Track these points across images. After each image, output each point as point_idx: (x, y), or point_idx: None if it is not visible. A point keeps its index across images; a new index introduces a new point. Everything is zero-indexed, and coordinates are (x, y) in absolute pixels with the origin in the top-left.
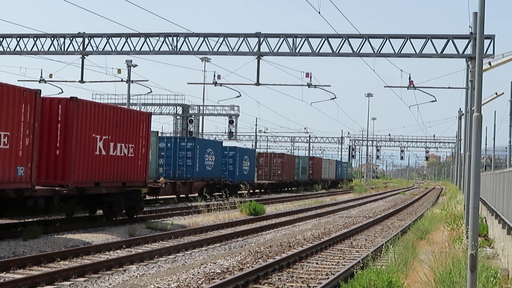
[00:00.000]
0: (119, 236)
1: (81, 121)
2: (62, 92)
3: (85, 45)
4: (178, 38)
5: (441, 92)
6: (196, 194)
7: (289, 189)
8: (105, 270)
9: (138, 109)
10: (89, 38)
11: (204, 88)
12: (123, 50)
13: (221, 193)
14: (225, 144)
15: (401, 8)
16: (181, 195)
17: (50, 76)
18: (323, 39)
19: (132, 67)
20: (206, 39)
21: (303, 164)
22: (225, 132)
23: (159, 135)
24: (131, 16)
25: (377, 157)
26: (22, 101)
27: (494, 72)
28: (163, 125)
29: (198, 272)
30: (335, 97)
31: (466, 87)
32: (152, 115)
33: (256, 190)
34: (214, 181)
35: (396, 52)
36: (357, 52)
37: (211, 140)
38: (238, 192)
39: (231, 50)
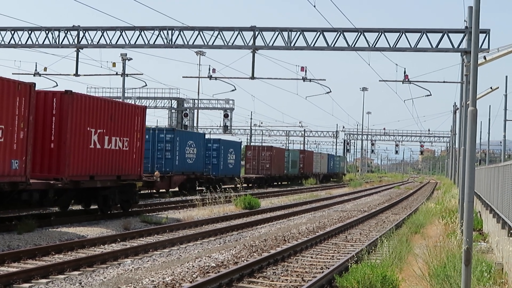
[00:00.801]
0: (114, 229)
1: (75, 114)
2: (57, 85)
3: (80, 38)
4: (173, 31)
5: (436, 86)
6: (176, 189)
7: (279, 183)
8: (100, 263)
9: (133, 102)
10: (84, 31)
11: (199, 81)
12: (118, 43)
13: (203, 188)
14: (220, 138)
15: (397, 2)
16: (160, 190)
17: (45, 69)
18: (318, 33)
19: (127, 61)
20: (201, 32)
21: (293, 157)
22: (220, 126)
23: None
24: (126, 9)
25: (372, 151)
26: (17, 94)
27: (489, 67)
28: (158, 118)
29: (193, 266)
30: (330, 91)
31: (461, 82)
32: (147, 109)
33: (244, 185)
34: (195, 175)
35: (391, 46)
36: (352, 46)
37: (192, 131)
38: (223, 186)
39: (226, 44)
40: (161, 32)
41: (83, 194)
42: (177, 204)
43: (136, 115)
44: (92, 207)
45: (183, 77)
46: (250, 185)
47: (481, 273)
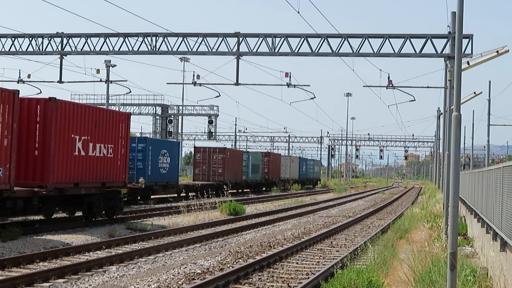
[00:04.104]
0: (99, 237)
1: (59, 121)
2: (41, 92)
3: (64, 45)
4: (157, 38)
5: (420, 91)
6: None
7: (238, 191)
8: (85, 271)
9: (117, 109)
10: (68, 38)
11: (183, 88)
12: (102, 50)
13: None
14: (204, 144)
15: (380, 8)
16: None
17: (29, 76)
18: (302, 39)
19: (111, 67)
20: (185, 39)
21: (254, 161)
22: (204, 132)
23: (138, 135)
24: (110, 16)
25: (357, 156)
26: (0, 101)
27: (472, 71)
28: (142, 125)
29: (179, 273)
30: (315, 97)
31: (445, 87)
32: (131, 115)
33: (191, 194)
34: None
35: (375, 52)
36: (336, 51)
37: None
38: (152, 196)
39: (210, 50)
40: (145, 39)
41: (67, 201)
42: (162, 210)
43: (120, 122)
44: (76, 214)
45: (167, 83)
46: (193, 194)
47: (466, 277)
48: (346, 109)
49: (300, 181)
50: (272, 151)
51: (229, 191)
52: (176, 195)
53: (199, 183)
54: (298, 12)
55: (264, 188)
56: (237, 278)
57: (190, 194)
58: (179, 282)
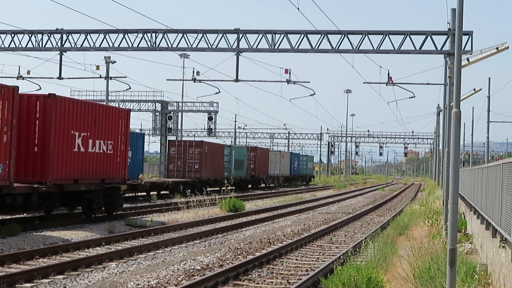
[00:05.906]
0: (98, 233)
1: (59, 118)
2: (40, 88)
3: (63, 42)
4: (157, 34)
5: (419, 88)
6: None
7: (221, 189)
8: (84, 267)
9: (116, 105)
10: (67, 34)
11: (183, 84)
12: (101, 46)
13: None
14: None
15: (380, 4)
16: None
17: (28, 72)
18: (302, 35)
19: (110, 64)
20: (185, 35)
21: (237, 156)
22: (204, 129)
23: (138, 131)
24: (110, 12)
25: (356, 153)
26: (0, 97)
27: (472, 68)
28: (142, 121)
29: (178, 269)
30: (314, 94)
31: (445, 83)
32: (131, 112)
33: (164, 192)
34: None
35: (375, 48)
36: (336, 48)
37: None
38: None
39: (210, 47)
40: (145, 35)
41: (67, 197)
42: (162, 207)
43: (120, 118)
44: (76, 210)
45: (167, 79)
46: (166, 192)
47: (466, 274)
48: (346, 105)
49: (291, 178)
50: (271, 147)
51: (208, 188)
52: (145, 194)
53: (170, 181)
54: (298, 9)
55: (249, 186)
56: (237, 275)
57: (162, 192)
58: (178, 279)
